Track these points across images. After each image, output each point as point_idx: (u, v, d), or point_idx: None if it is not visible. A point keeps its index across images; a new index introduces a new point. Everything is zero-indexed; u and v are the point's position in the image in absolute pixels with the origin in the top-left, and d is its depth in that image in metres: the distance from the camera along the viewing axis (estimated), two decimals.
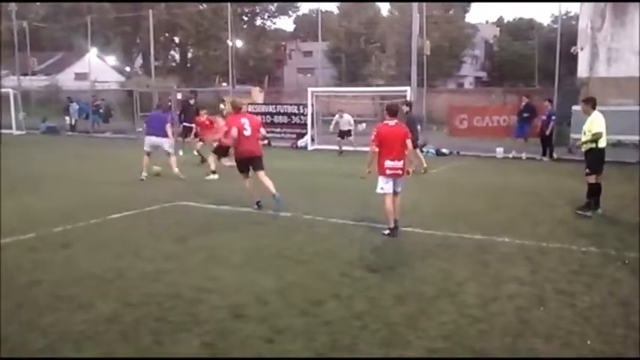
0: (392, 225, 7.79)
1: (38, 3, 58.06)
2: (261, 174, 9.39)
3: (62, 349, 4.28)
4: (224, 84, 45.17)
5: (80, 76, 47.03)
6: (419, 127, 14.99)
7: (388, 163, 7.76)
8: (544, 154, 17.52)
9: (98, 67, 41.17)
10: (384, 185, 7.81)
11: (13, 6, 33.69)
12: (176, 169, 12.81)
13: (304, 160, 17.71)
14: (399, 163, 7.82)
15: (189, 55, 66.46)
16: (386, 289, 5.60)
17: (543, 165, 16.55)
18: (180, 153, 15.89)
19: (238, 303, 5.19)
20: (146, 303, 5.17)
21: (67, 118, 28.34)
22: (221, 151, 12.79)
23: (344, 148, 18.63)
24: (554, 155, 17.41)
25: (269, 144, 21.37)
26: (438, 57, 35.62)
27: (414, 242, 7.47)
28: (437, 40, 37.44)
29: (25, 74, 32.65)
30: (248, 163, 9.43)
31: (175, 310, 5.03)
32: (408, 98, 17.48)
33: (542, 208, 9.80)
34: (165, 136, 12.76)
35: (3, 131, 26.62)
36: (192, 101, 19.10)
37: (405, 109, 14.21)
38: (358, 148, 17.36)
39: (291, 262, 6.51)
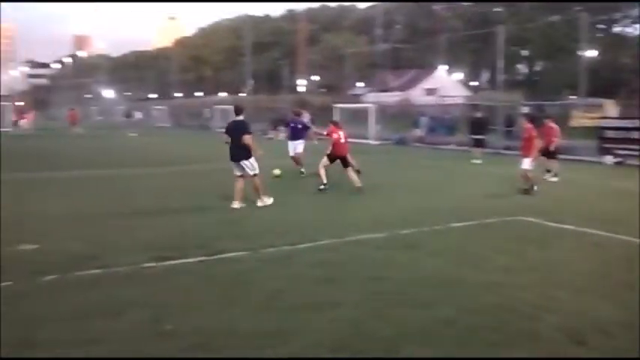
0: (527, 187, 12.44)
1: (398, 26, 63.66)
2: None
3: (402, 343, 4.61)
4: (571, 96, 42.43)
5: (429, 92, 50.12)
6: None
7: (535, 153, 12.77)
8: None
9: (445, 83, 43.13)
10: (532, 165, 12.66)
11: (379, 30, 37.89)
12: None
13: None
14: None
15: (537, 68, 64.64)
16: None
17: None
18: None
19: (578, 329, 4.91)
20: (481, 312, 5.29)
21: (417, 130, 30.48)
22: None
23: None
24: None
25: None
26: None
27: None
28: None
29: (384, 90, 36.25)
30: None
31: (510, 324, 5.02)
32: None
33: None
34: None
35: (361, 141, 30.06)
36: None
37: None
38: None
39: None
